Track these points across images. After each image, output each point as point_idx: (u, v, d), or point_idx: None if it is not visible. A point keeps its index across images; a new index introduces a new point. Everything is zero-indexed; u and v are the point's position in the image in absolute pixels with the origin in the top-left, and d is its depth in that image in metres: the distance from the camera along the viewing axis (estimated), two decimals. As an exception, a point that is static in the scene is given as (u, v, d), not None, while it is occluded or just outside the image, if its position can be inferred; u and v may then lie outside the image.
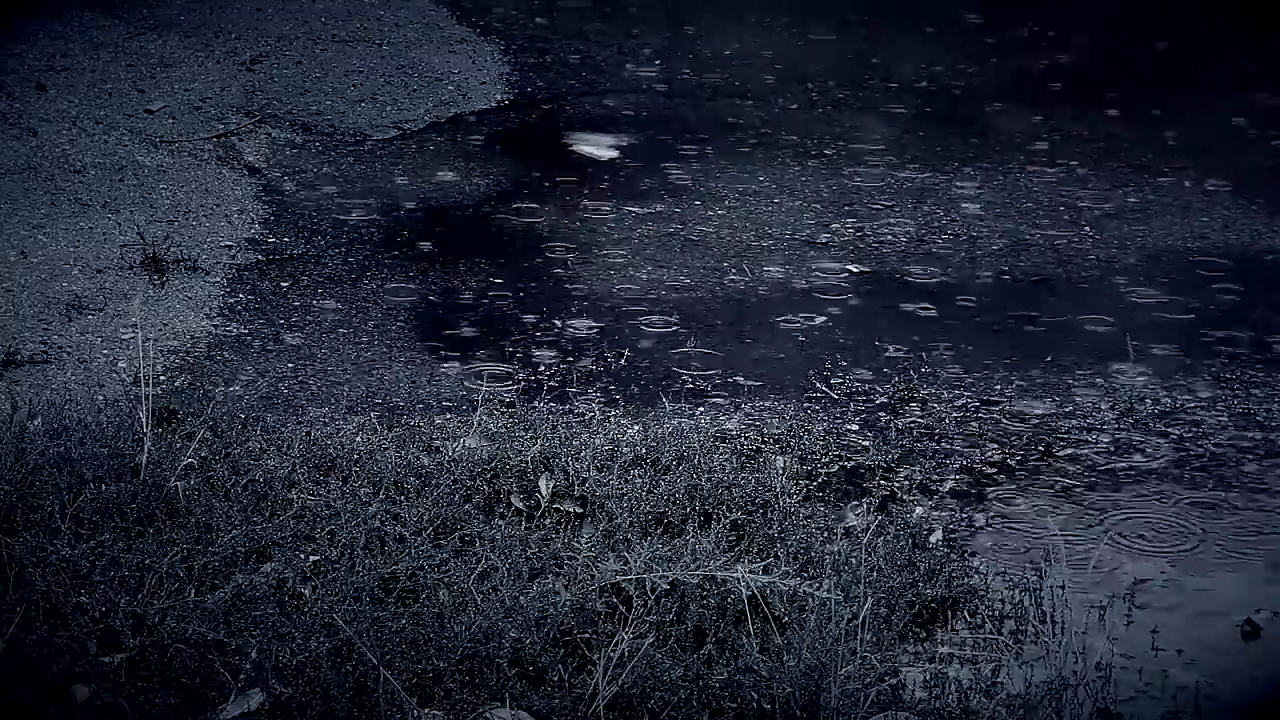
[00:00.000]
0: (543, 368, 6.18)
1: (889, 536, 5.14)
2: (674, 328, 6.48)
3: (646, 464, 5.35)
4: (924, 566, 5.03)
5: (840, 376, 6.20)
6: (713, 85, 8.53)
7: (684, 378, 6.17)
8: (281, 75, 8.39)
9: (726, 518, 5.12)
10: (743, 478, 5.30)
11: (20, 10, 8.78)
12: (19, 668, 4.41)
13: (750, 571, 4.77)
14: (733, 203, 7.40)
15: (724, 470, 5.32)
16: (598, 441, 5.43)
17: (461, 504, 5.15)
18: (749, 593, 4.73)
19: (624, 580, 4.78)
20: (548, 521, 5.14)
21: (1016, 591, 5.06)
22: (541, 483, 5.22)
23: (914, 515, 5.39)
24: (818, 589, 4.78)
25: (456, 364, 6.21)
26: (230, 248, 6.90)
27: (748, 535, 5.13)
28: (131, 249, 6.75)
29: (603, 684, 4.44)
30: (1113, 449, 5.81)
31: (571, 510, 5.18)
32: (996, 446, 5.81)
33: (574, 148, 7.91)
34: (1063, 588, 5.08)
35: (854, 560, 4.94)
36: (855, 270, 6.90)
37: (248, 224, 7.09)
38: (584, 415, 5.80)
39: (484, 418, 5.53)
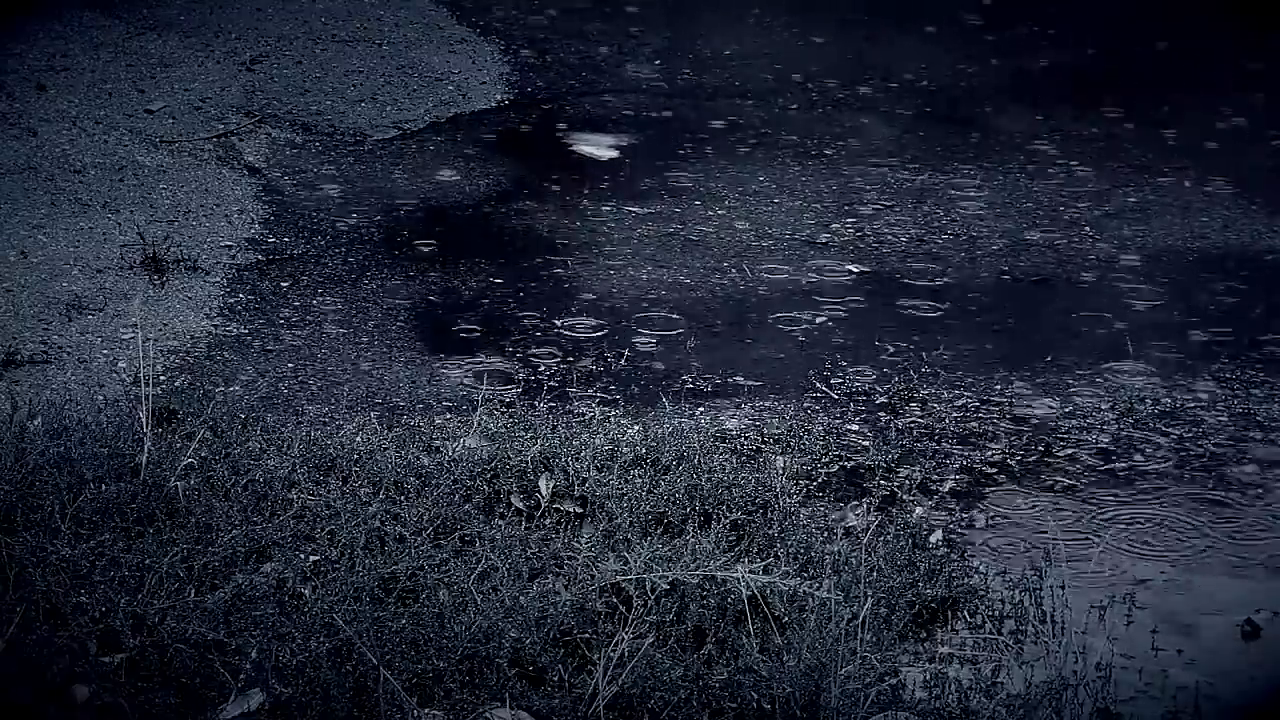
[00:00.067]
0: (543, 368, 6.18)
1: (889, 536, 5.14)
2: (674, 328, 6.48)
3: (646, 464, 5.35)
4: (924, 566, 5.03)
5: (840, 376, 6.20)
6: (713, 85, 8.53)
7: (684, 378, 6.17)
8: (281, 75, 8.39)
9: (726, 518, 5.12)
10: (743, 478, 5.30)
11: (20, 10, 8.78)
12: (19, 668, 4.41)
13: (750, 571, 4.77)
14: (733, 203, 7.41)
15: (724, 470, 5.31)
16: (598, 441, 5.43)
17: (461, 504, 5.15)
18: (749, 593, 4.73)
19: (624, 580, 4.78)
20: (548, 521, 5.14)
21: (1016, 591, 5.06)
22: (541, 483, 5.22)
23: (914, 515, 5.39)
24: (818, 589, 4.78)
25: (456, 364, 6.21)
26: (230, 248, 6.90)
27: (748, 535, 5.13)
28: (131, 249, 6.75)
29: (603, 684, 4.44)
30: (1113, 449, 5.81)
31: (571, 510, 5.18)
32: (996, 446, 5.81)
33: (574, 148, 7.91)
34: (1063, 588, 5.08)
35: (854, 560, 4.94)
36: (855, 270, 6.90)
37: (248, 224, 7.09)
38: (584, 415, 5.80)
39: (484, 418, 5.53)
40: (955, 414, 5.97)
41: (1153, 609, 5.05)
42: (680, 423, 5.66)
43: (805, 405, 6.02)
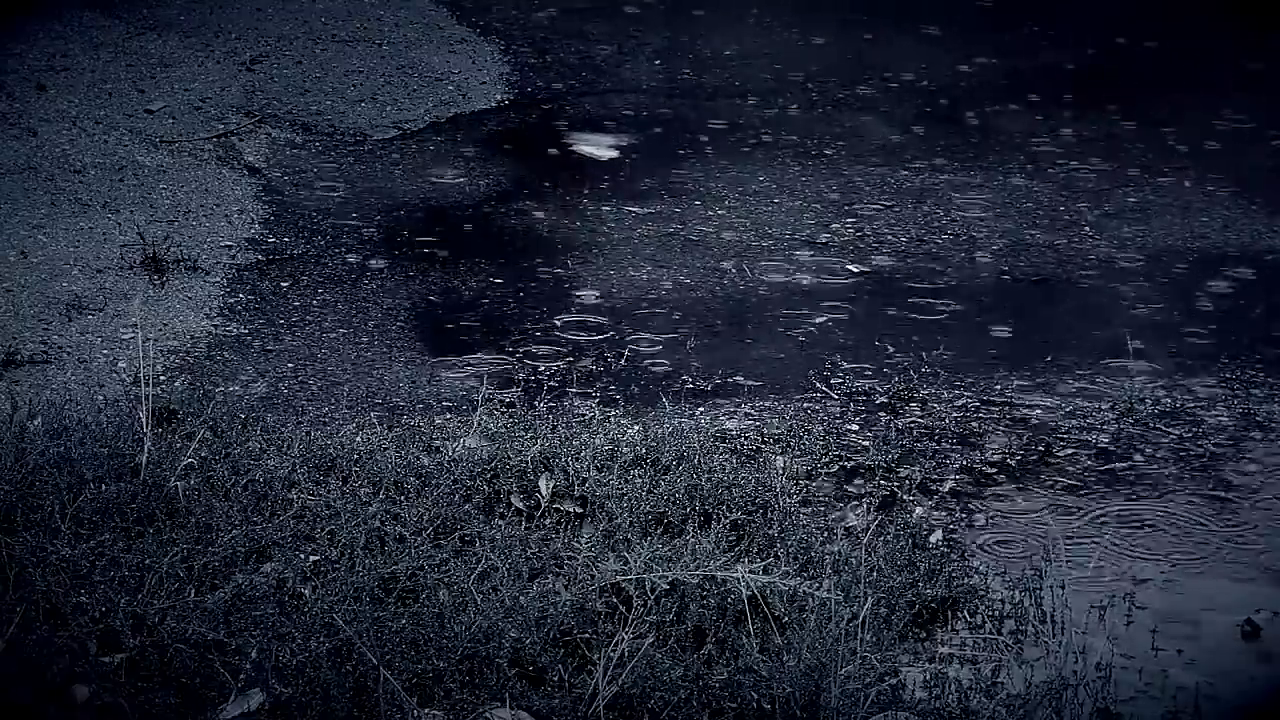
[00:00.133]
0: (543, 368, 6.18)
1: (889, 536, 5.14)
2: (674, 328, 6.48)
3: (646, 464, 5.35)
4: (924, 566, 5.03)
5: (840, 376, 6.20)
6: (713, 85, 8.53)
7: (684, 378, 6.17)
8: (281, 75, 8.39)
9: (726, 518, 5.12)
10: (743, 478, 5.30)
11: (20, 10, 8.78)
12: (19, 668, 4.41)
13: (750, 571, 4.77)
14: (733, 203, 7.41)
15: (724, 470, 5.32)
16: (598, 441, 5.43)
17: (461, 504, 5.15)
18: (749, 593, 4.73)
19: (624, 580, 4.78)
20: (548, 521, 5.14)
21: (1016, 591, 5.06)
22: (541, 483, 5.22)
23: (914, 515, 5.39)
24: (818, 589, 4.78)
25: (456, 364, 6.21)
26: (230, 248, 6.90)
27: (748, 535, 5.13)
28: (131, 249, 6.75)
29: (603, 684, 4.44)
30: (1113, 449, 5.81)
31: (571, 510, 5.18)
32: (996, 446, 5.81)
33: (574, 148, 7.91)
34: (1063, 588, 5.08)
35: (854, 560, 4.94)
36: (855, 270, 6.90)
37: (248, 224, 7.09)
38: (584, 415, 5.80)
39: (484, 418, 5.53)
40: (955, 414, 5.97)
41: (1153, 609, 5.05)
42: (680, 423, 5.66)
43: (805, 405, 6.02)
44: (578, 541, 4.97)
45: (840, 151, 7.89)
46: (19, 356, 6.04)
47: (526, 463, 5.29)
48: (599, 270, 6.85)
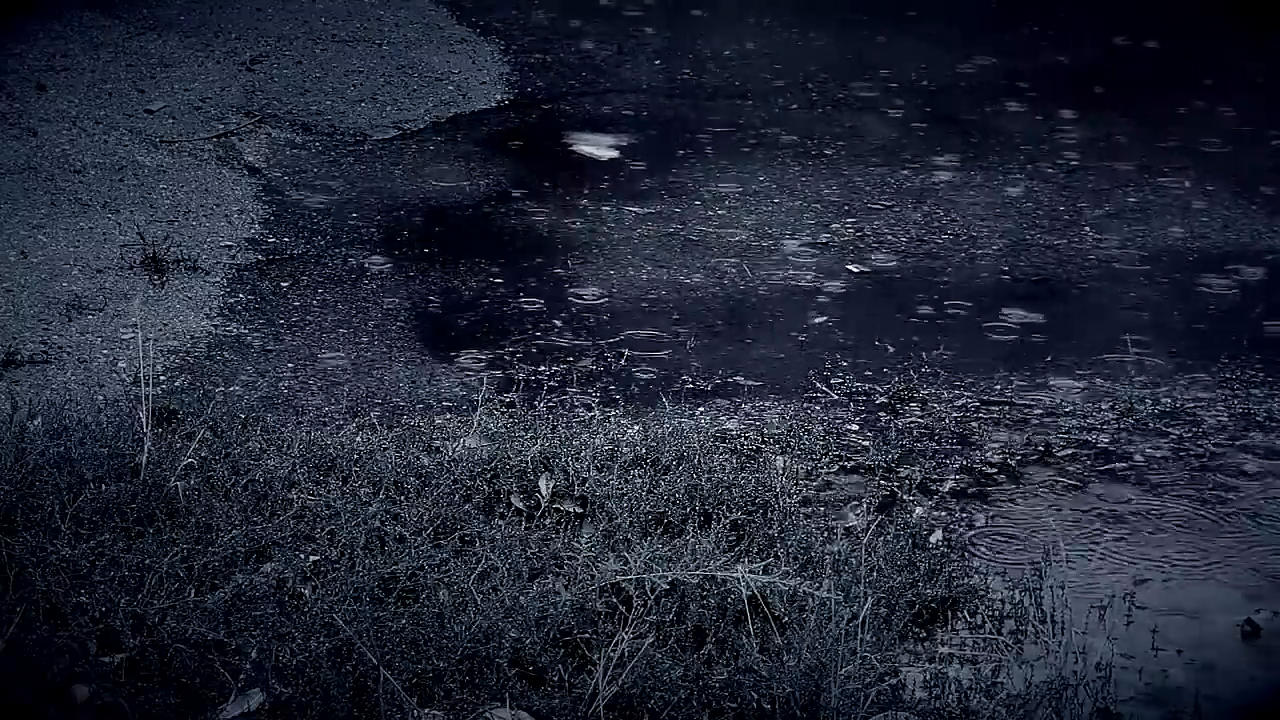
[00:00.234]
0: (543, 368, 6.18)
1: (889, 536, 5.14)
2: (674, 328, 6.48)
3: (646, 464, 5.35)
4: (924, 566, 5.03)
5: (840, 376, 6.20)
6: (713, 85, 8.53)
7: (684, 378, 6.17)
8: (281, 75, 8.39)
9: (726, 518, 5.12)
10: (743, 478, 5.30)
11: (20, 10, 8.78)
12: (19, 668, 4.41)
13: (750, 571, 4.77)
14: (733, 203, 7.41)
15: (724, 470, 5.32)
16: (598, 441, 5.43)
17: (461, 504, 5.15)
18: (749, 593, 4.73)
19: (624, 580, 4.78)
20: (548, 521, 5.14)
21: (1016, 591, 5.06)
22: (541, 483, 5.22)
23: (914, 515, 5.39)
24: (818, 589, 4.78)
25: (456, 364, 6.21)
26: (230, 248, 6.90)
27: (748, 535, 5.13)
28: (131, 249, 6.75)
29: (603, 684, 4.44)
30: (1113, 449, 5.81)
31: (571, 510, 5.18)
32: (996, 446, 5.81)
33: (574, 148, 7.91)
34: (1063, 588, 5.08)
35: (854, 560, 4.94)
36: (855, 270, 6.90)
37: (248, 224, 7.09)
38: (584, 415, 5.80)
39: (484, 418, 5.53)
40: (955, 414, 5.97)
41: (1153, 609, 5.05)
42: (680, 423, 5.66)
43: (805, 405, 6.02)
44: (578, 541, 4.97)
45: (840, 151, 7.89)
46: (19, 356, 6.04)
47: (526, 463, 5.29)
48: (599, 270, 6.85)
